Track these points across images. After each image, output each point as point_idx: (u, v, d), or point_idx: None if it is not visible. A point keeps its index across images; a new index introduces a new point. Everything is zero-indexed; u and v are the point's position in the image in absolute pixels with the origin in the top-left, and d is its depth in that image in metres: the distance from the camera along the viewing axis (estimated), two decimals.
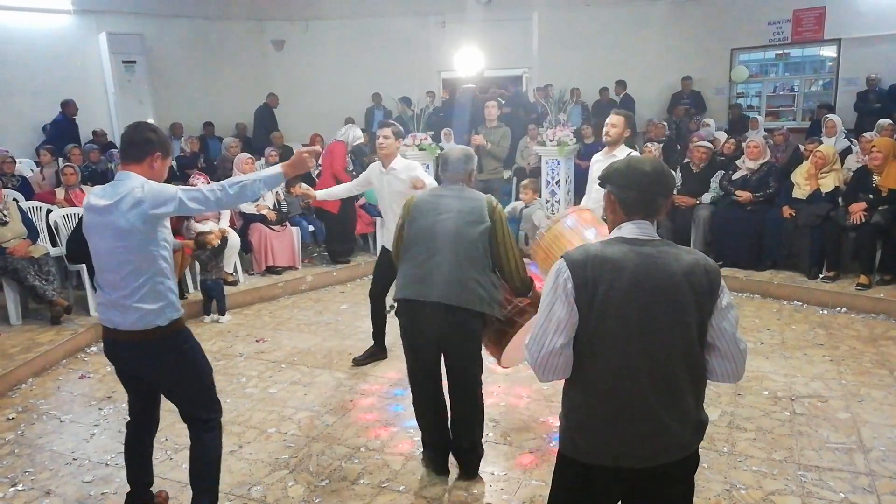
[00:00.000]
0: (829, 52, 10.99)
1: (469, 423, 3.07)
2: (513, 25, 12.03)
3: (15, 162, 7.28)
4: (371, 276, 4.77)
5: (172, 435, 3.57)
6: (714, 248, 6.44)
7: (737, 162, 6.68)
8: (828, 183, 6.00)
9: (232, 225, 6.42)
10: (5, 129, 9.41)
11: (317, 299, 6.43)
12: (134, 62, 10.61)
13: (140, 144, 2.49)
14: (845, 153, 7.20)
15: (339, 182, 6.13)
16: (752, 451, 3.33)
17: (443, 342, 2.94)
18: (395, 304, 3.04)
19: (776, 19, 10.85)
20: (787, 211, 6.09)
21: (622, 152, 4.51)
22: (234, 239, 6.21)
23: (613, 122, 4.56)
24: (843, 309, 5.49)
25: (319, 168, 7.45)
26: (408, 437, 3.57)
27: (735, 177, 6.53)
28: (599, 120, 10.27)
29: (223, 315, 5.71)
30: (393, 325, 4.61)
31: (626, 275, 1.69)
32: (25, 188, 6.96)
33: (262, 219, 6.72)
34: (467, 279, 2.84)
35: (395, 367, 4.53)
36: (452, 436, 3.13)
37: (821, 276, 5.88)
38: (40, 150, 8.11)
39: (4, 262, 5.18)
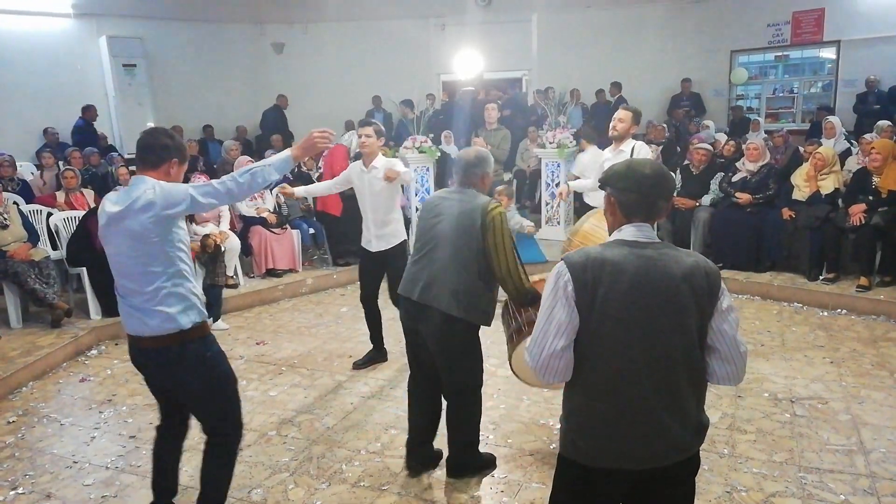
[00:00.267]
0: (828, 53, 11.00)
1: (451, 425, 3.10)
2: (512, 28, 12.05)
3: (15, 166, 7.28)
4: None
5: None
6: (714, 249, 6.44)
7: (736, 164, 6.68)
8: (827, 185, 6.01)
9: (232, 228, 6.42)
10: (5, 132, 9.42)
11: (317, 302, 6.43)
12: (134, 66, 10.64)
13: (157, 150, 2.46)
14: (845, 155, 7.21)
15: None
16: (753, 452, 3.33)
17: (428, 340, 2.98)
18: None
19: (775, 21, 10.88)
20: (786, 213, 6.10)
21: (628, 146, 4.50)
22: (235, 242, 6.22)
23: (621, 117, 4.52)
24: (843, 310, 5.49)
25: (320, 171, 7.47)
26: None
27: (735, 179, 6.54)
28: (597, 122, 10.32)
29: (216, 321, 5.69)
30: (390, 329, 4.64)
31: (626, 277, 1.69)
32: (26, 191, 6.97)
33: (263, 221, 6.73)
34: (446, 281, 2.85)
35: (395, 370, 4.53)
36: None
37: (821, 277, 5.89)
38: (41, 154, 8.11)
39: (5, 265, 5.18)
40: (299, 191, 4.75)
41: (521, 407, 3.93)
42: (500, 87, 11.84)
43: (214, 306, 5.68)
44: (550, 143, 7.57)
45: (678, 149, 9.01)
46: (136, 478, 3.28)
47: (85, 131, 9.68)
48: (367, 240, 4.44)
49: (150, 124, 10.67)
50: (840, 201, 5.97)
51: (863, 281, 5.57)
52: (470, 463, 3.18)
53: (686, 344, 1.71)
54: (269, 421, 3.85)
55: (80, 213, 6.05)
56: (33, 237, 5.58)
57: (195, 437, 2.87)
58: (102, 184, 7.56)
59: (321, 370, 4.63)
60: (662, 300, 1.69)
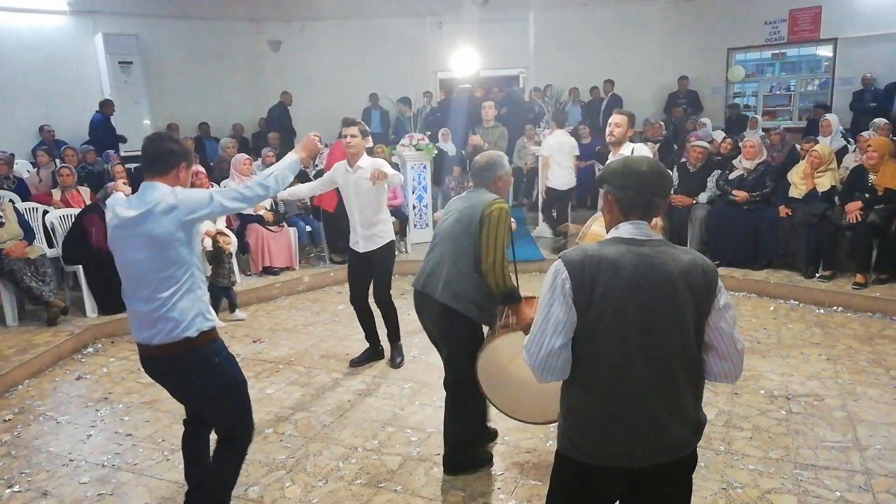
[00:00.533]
0: (825, 51, 11.02)
1: (447, 421, 3.14)
2: (509, 26, 12.05)
3: (12, 163, 7.25)
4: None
5: (169, 436, 3.57)
6: (711, 247, 6.46)
7: (733, 161, 6.69)
8: (824, 182, 6.02)
9: (228, 225, 6.41)
10: (1, 130, 9.36)
11: (314, 300, 6.43)
12: (130, 63, 10.59)
13: (165, 158, 2.46)
14: (841, 152, 7.22)
15: None
16: (749, 449, 3.34)
17: (430, 329, 3.16)
18: None
19: (772, 19, 10.89)
20: (783, 210, 6.11)
21: (627, 150, 4.48)
22: (232, 240, 6.20)
23: (617, 122, 4.46)
24: (840, 308, 5.50)
25: (317, 168, 7.45)
26: (405, 438, 3.57)
27: (732, 176, 6.55)
28: (591, 119, 10.32)
29: (233, 311, 5.82)
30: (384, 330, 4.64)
31: (623, 275, 1.69)
32: (22, 189, 6.94)
33: (259, 219, 6.71)
34: (442, 272, 2.98)
35: (391, 368, 4.53)
36: None
37: (817, 275, 5.90)
38: (36, 151, 8.08)
39: (1, 263, 5.16)
40: (283, 194, 4.65)
41: None
42: (498, 84, 11.83)
43: (213, 305, 5.70)
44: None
45: (675, 147, 9.02)
46: (132, 475, 3.27)
47: (104, 126, 9.64)
48: (354, 241, 4.43)
49: (147, 122, 10.67)
50: (836, 199, 5.98)
51: (859, 278, 5.59)
52: (467, 460, 3.19)
53: (683, 341, 1.71)
54: (266, 419, 3.84)
55: (76, 211, 6.03)
56: (29, 235, 5.57)
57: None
58: (98, 181, 7.53)
59: (318, 368, 4.63)
60: (660, 298, 1.69)
